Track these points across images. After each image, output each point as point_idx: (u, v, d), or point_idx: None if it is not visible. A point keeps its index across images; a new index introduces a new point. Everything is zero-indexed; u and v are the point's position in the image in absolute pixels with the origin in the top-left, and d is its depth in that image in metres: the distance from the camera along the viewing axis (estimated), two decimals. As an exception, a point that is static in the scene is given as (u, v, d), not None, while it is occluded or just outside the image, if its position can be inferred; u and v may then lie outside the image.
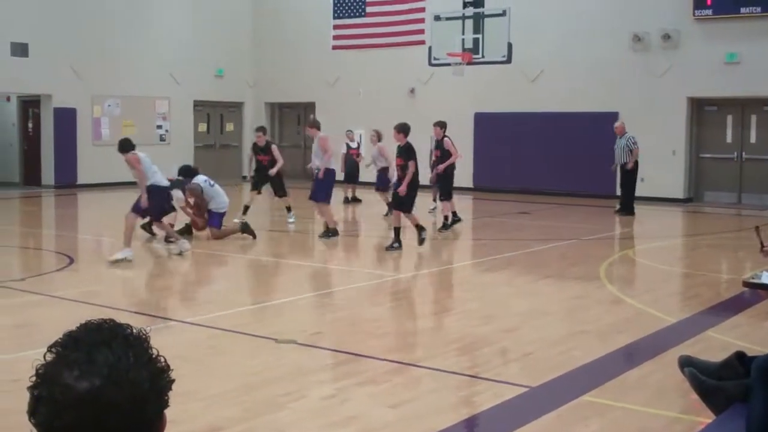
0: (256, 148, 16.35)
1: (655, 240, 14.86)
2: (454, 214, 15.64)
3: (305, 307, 9.15)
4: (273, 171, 15.82)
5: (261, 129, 16.73)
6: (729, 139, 21.11)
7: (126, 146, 12.06)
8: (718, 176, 21.25)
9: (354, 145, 20.44)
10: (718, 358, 2.19)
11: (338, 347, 7.31)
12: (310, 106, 27.23)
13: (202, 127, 26.95)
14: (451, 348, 7.31)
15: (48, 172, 23.63)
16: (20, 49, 22.60)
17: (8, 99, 25.15)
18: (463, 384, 6.35)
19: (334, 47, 26.21)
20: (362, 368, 6.63)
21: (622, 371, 6.71)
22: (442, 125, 15.81)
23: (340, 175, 18.53)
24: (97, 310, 8.59)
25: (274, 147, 16.38)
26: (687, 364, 2.17)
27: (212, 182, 14.10)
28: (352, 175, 20.32)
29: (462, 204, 20.95)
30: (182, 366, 6.57)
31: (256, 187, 16.32)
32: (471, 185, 23.55)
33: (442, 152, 15.73)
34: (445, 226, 15.31)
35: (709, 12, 20.39)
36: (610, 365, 6.93)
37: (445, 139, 15.72)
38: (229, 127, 28.34)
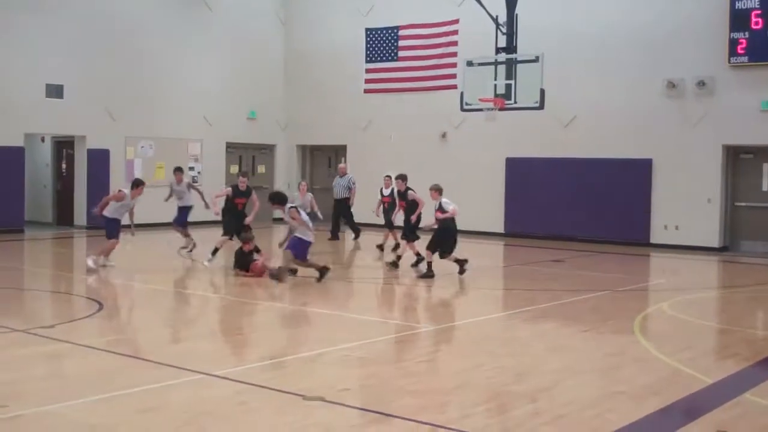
0: (238, 192, 16.47)
1: (691, 292, 14.60)
2: (418, 254, 16.50)
3: (333, 360, 9.01)
4: (249, 219, 16.21)
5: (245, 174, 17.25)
6: (765, 187, 20.82)
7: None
8: (755, 225, 20.94)
9: (387, 192, 19.61)
10: (756, 427, 2.06)
11: (367, 406, 7.16)
12: (341, 149, 27.29)
13: (234, 169, 27.04)
14: (483, 408, 7.15)
15: (81, 213, 23.78)
16: (55, 91, 22.87)
17: (42, 140, 25.44)
18: (495, 449, 6.18)
19: (366, 91, 26.31)
20: (391, 430, 6.47)
21: (659, 437, 6.51)
22: (404, 178, 17.16)
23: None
24: (122, 361, 8.53)
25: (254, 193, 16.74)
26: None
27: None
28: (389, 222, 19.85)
29: (493, 250, 20.85)
30: (211, 425, 6.49)
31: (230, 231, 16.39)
32: (502, 231, 23.39)
33: (407, 203, 17.02)
34: (396, 264, 16.40)
35: (745, 59, 20.22)
36: (647, 430, 6.72)
37: (410, 191, 17.06)
38: (261, 169, 28.43)
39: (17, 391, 7.36)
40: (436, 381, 8.25)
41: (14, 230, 21.86)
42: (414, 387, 7.85)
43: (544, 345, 10.07)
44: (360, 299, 13.75)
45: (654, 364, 8.97)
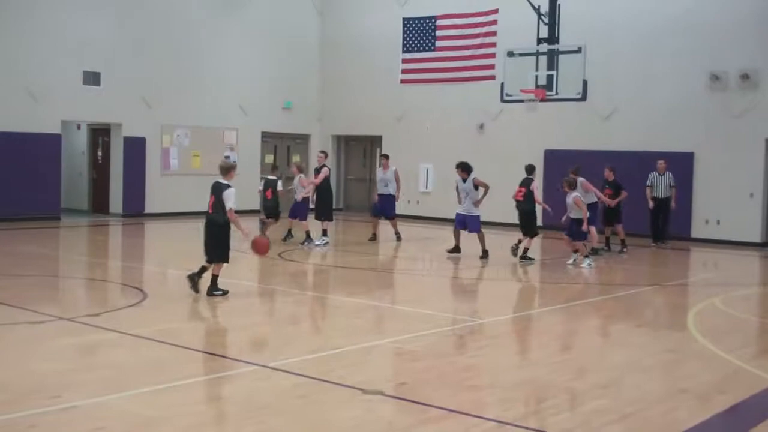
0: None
1: (738, 287, 14.32)
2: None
3: (386, 353, 8.84)
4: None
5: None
6: (809, 182, 20.46)
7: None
8: (798, 220, 20.58)
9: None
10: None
11: (427, 401, 6.96)
12: (376, 140, 27.10)
13: (269, 158, 26.95)
14: (548, 405, 6.96)
15: (116, 201, 23.79)
16: (92, 78, 22.82)
17: (78, 127, 25.43)
18: (566, 448, 5.99)
19: (403, 81, 26.11)
20: (457, 427, 6.29)
21: (733, 437, 6.30)
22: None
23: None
24: (174, 351, 8.40)
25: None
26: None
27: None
28: None
29: (533, 243, 20.60)
30: (272, 419, 6.34)
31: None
32: (540, 223, 23.06)
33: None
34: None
35: (790, 51, 19.87)
36: (718, 430, 6.51)
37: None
38: (296, 158, 28.29)
39: (69, 381, 7.24)
40: (495, 375, 8.06)
41: (51, 217, 21.87)
42: (473, 382, 7.68)
43: (599, 339, 9.88)
44: (406, 291, 13.58)
45: (714, 361, 8.75)
